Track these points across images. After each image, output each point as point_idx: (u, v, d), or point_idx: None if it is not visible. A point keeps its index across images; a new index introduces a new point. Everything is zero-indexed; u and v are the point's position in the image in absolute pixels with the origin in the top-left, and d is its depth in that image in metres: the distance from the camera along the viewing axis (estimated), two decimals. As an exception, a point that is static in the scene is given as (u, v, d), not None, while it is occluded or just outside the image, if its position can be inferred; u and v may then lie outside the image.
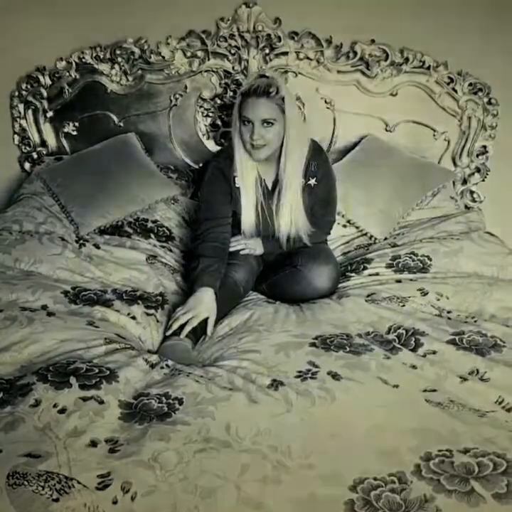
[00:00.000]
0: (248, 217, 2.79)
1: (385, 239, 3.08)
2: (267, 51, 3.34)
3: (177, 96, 3.46)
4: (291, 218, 2.77)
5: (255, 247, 2.83)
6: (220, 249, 2.70)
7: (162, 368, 2.08)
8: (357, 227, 3.17)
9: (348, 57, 3.33)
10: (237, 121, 2.61)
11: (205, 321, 2.46)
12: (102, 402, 1.80)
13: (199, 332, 2.46)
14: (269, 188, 2.81)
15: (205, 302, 2.50)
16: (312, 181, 2.79)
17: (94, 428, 1.70)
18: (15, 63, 3.49)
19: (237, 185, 2.76)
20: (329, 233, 3.02)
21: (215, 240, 2.70)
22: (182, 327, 2.40)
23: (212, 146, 3.57)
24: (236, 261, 2.74)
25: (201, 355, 2.33)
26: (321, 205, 2.88)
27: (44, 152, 3.66)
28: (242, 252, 2.79)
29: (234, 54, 3.35)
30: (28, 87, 3.52)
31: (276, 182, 2.78)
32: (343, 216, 3.18)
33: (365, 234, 3.14)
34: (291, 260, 2.78)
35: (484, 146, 3.48)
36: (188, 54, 3.38)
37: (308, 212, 2.81)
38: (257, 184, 2.76)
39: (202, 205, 2.81)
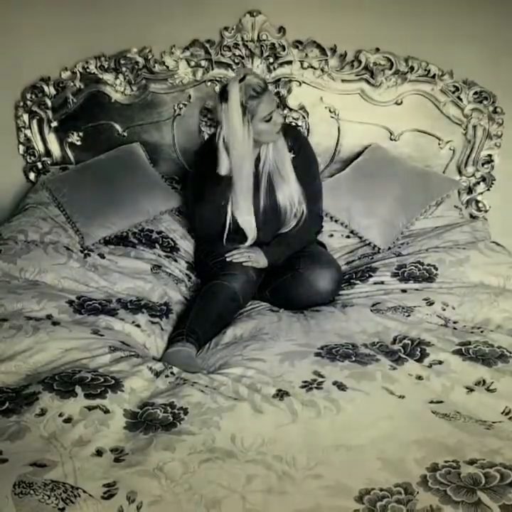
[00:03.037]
0: (246, 210, 2.84)
1: (389, 248, 3.07)
2: (271, 60, 3.34)
3: (181, 106, 3.46)
4: (290, 190, 2.82)
5: (258, 259, 2.80)
6: None
7: (167, 376, 2.09)
8: (360, 238, 3.16)
9: (352, 66, 3.33)
10: (248, 122, 2.59)
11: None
12: (107, 412, 1.81)
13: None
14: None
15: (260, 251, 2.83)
16: (290, 155, 2.87)
17: (99, 437, 1.70)
18: (19, 73, 3.50)
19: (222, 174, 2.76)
20: (321, 200, 3.05)
21: None
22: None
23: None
24: (235, 272, 2.71)
25: (206, 362, 2.33)
26: (303, 177, 2.90)
27: (49, 162, 3.66)
28: (244, 264, 2.76)
29: (238, 63, 3.35)
30: (33, 97, 3.53)
31: (257, 160, 2.82)
32: (346, 226, 3.18)
33: (369, 244, 3.12)
34: (293, 264, 2.80)
35: (490, 155, 3.46)
36: (192, 63, 3.38)
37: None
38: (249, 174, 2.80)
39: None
